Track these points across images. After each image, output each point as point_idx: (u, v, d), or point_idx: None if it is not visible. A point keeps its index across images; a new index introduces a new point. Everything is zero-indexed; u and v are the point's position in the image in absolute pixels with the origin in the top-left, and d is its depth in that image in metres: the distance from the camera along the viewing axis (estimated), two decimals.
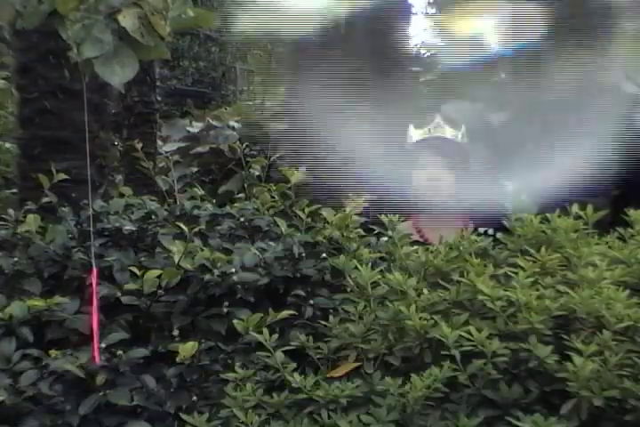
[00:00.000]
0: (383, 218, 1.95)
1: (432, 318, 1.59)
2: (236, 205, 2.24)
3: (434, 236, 2.51)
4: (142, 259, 1.88)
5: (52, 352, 1.63)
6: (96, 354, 1.56)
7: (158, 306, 1.77)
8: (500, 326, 1.56)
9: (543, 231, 1.83)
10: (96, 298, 1.62)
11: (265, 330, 1.63)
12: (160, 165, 4.00)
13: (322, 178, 2.92)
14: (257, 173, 2.98)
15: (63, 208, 2.12)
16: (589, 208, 1.94)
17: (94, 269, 1.59)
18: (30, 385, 1.59)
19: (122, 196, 2.28)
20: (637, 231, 1.92)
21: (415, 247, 1.88)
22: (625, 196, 2.59)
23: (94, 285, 1.63)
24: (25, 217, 1.98)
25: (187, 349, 1.64)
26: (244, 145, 3.12)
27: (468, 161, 2.72)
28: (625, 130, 2.78)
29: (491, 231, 2.42)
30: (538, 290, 1.63)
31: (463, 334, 1.52)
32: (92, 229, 1.72)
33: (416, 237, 2.57)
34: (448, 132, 2.65)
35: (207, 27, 4.38)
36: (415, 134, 2.69)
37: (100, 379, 1.60)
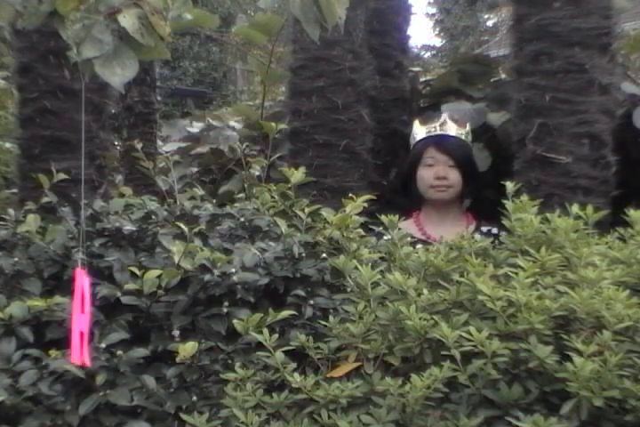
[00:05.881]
0: (383, 218, 1.95)
1: (432, 318, 1.59)
2: (235, 205, 2.24)
3: (436, 233, 2.52)
4: (142, 259, 1.88)
5: (52, 352, 1.62)
6: (75, 355, 1.52)
7: (158, 306, 1.77)
8: (500, 326, 1.56)
9: (543, 231, 1.83)
10: (77, 298, 1.58)
11: (265, 330, 1.63)
12: (160, 165, 3.99)
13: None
14: (257, 173, 2.98)
15: (63, 208, 2.12)
16: (589, 208, 1.94)
17: (79, 270, 1.56)
18: (30, 385, 1.59)
19: (122, 196, 2.28)
20: (637, 231, 1.92)
21: (419, 246, 1.89)
22: (625, 196, 2.58)
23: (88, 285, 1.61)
24: (25, 217, 1.98)
25: (187, 349, 1.64)
26: (244, 145, 3.12)
27: (472, 159, 2.73)
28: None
29: (495, 230, 2.43)
30: (538, 290, 1.63)
31: (463, 334, 1.52)
32: (83, 228, 1.70)
33: (418, 234, 2.57)
34: (453, 130, 2.65)
35: (207, 27, 4.38)
36: (420, 131, 2.69)
37: (100, 379, 1.60)
